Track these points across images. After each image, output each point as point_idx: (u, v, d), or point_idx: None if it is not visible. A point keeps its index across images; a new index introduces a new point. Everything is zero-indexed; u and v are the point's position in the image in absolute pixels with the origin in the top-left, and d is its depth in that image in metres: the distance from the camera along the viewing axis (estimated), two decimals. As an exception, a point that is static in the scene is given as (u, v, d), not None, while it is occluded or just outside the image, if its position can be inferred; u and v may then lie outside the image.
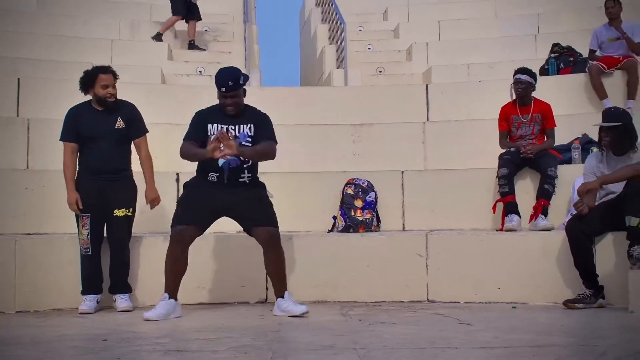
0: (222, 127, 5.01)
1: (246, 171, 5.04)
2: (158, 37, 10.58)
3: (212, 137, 4.94)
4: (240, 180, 5.04)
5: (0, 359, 3.71)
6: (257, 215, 5.03)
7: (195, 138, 5.08)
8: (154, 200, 5.57)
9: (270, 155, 5.07)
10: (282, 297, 5.06)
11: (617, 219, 5.19)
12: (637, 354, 3.67)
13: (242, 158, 4.97)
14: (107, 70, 5.51)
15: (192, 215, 5.02)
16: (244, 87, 5.11)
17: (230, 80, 4.99)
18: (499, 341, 3.97)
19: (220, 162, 4.96)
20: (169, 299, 5.00)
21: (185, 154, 5.10)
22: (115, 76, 5.52)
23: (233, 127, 5.03)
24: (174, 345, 3.92)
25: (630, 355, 3.62)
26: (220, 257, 5.75)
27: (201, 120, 5.13)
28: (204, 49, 10.87)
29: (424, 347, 3.80)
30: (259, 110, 5.22)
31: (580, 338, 4.25)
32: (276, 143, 5.12)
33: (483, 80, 8.46)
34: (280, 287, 5.08)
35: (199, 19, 10.94)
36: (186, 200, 5.11)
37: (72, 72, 8.43)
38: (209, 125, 5.05)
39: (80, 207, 5.34)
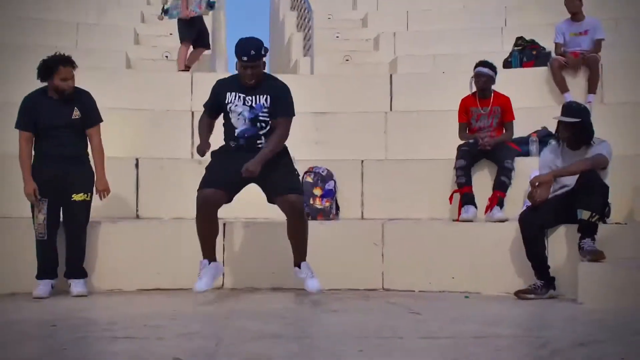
0: (239, 96, 5.01)
1: (263, 137, 5.01)
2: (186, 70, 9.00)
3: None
4: (258, 146, 4.98)
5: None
6: (280, 183, 4.97)
7: (211, 107, 5.17)
8: (103, 191, 5.56)
9: (284, 139, 5.08)
10: (299, 267, 5.10)
11: (570, 211, 5.26)
12: (578, 345, 3.71)
13: (258, 125, 4.99)
14: (67, 62, 5.46)
15: (217, 179, 4.94)
16: (264, 57, 5.05)
17: (253, 50, 4.92)
18: (444, 331, 4.02)
19: (237, 131, 5.00)
20: (210, 263, 5.01)
21: (198, 129, 5.24)
22: (74, 67, 5.49)
23: (250, 98, 5.00)
24: (122, 332, 3.93)
25: (571, 347, 3.67)
26: (176, 243, 5.75)
27: (220, 89, 5.14)
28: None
29: (369, 336, 3.84)
30: (279, 81, 5.19)
31: (524, 329, 4.31)
32: (292, 116, 5.12)
33: (447, 71, 8.49)
34: (296, 256, 5.10)
35: (208, 47, 9.64)
36: (212, 166, 5.09)
37: (35, 56, 8.33)
38: (227, 94, 5.05)
39: (38, 197, 5.32)
